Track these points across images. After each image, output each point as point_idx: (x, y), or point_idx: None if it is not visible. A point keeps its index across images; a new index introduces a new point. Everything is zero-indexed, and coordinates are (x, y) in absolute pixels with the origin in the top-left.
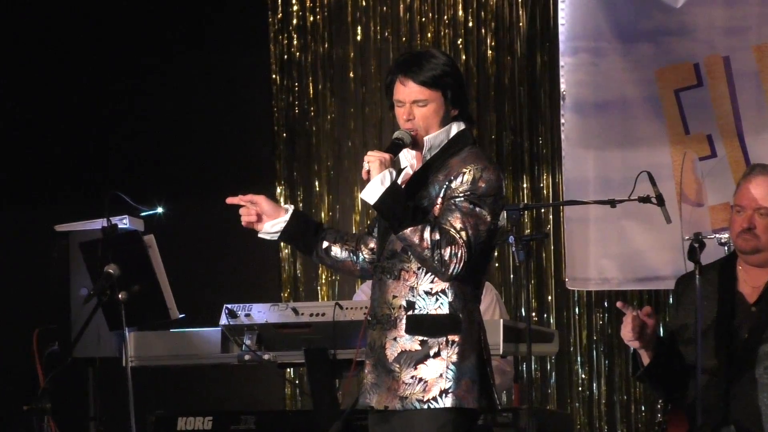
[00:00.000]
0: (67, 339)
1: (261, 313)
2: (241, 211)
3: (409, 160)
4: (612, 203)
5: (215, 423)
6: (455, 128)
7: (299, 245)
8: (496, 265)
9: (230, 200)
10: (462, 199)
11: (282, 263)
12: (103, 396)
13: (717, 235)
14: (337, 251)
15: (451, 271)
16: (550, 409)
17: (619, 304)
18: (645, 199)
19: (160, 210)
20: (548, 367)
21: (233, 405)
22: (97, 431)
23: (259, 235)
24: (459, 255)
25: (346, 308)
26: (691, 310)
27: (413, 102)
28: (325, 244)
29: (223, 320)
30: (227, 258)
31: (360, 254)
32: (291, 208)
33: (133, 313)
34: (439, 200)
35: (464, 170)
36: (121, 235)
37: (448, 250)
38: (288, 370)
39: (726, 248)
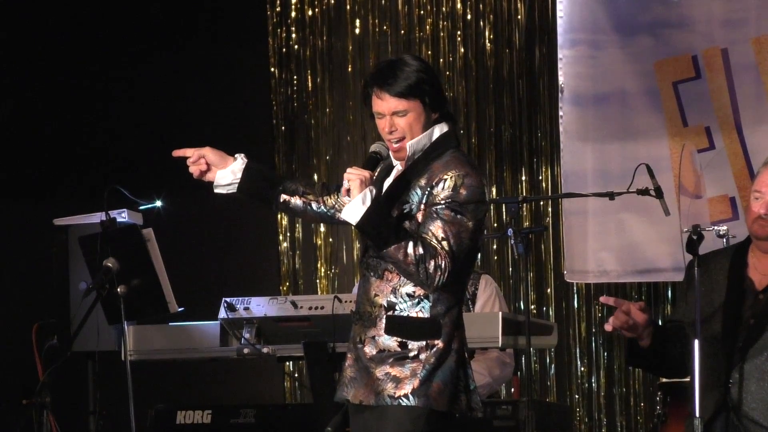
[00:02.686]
0: (66, 333)
1: (260, 306)
2: (189, 162)
3: (396, 161)
4: (611, 196)
5: (214, 417)
6: (438, 131)
7: (257, 199)
8: (495, 258)
9: (176, 153)
10: (443, 206)
11: (281, 257)
12: (102, 390)
13: (715, 227)
14: (296, 203)
15: (436, 282)
16: (549, 401)
17: (602, 299)
18: (643, 192)
19: (158, 203)
20: (547, 360)
21: (233, 399)
22: (96, 425)
23: (216, 191)
24: (443, 266)
25: (345, 301)
26: (703, 292)
27: (393, 113)
28: (284, 197)
29: (222, 314)
30: (226, 251)
31: (319, 206)
32: (243, 160)
33: (132, 307)
34: (422, 207)
35: (446, 177)
36: (120, 229)
37: (432, 263)
38: (287, 363)
39: (724, 240)
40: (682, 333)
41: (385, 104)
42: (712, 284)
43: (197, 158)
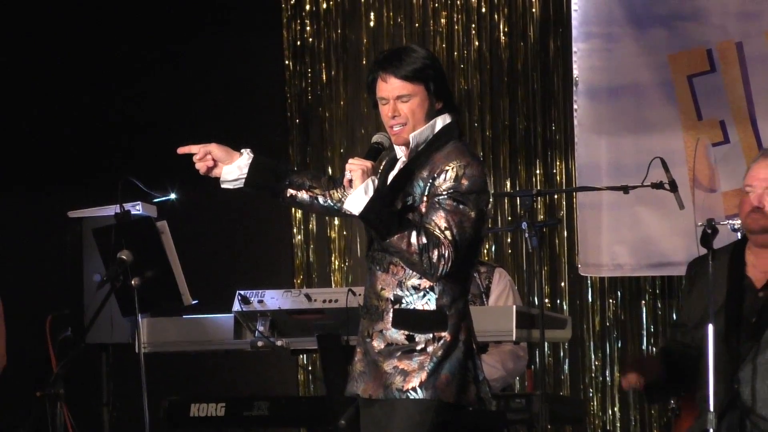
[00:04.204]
0: (80, 325)
1: (274, 299)
2: (195, 159)
3: (400, 153)
4: (625, 189)
5: (228, 409)
6: (440, 122)
7: (264, 193)
8: (509, 251)
9: (181, 150)
10: (446, 197)
11: (295, 249)
12: (115, 382)
13: (730, 222)
14: (303, 197)
15: (440, 272)
16: (563, 395)
17: (625, 386)
18: (658, 185)
19: (173, 196)
20: (561, 353)
21: (246, 391)
22: (109, 417)
23: (222, 186)
24: (446, 255)
25: (359, 294)
26: (703, 294)
27: (397, 98)
28: (290, 191)
29: (236, 306)
30: (240, 244)
31: (326, 200)
32: (249, 155)
33: (146, 299)
34: (424, 198)
35: (447, 167)
36: (134, 221)
37: (435, 252)
38: (301, 356)
39: (739, 234)
40: (689, 353)
41: (389, 87)
42: (713, 284)
43: (203, 155)
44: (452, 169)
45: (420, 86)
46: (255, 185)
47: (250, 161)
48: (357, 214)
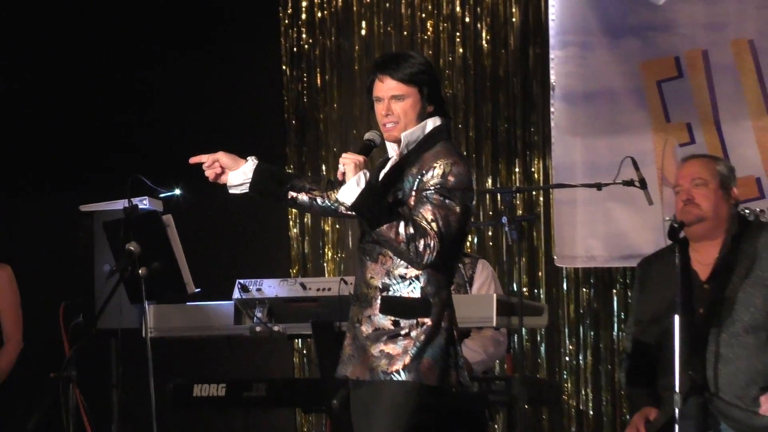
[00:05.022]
0: (91, 312)
1: (271, 287)
2: (204, 167)
3: (392, 152)
4: (598, 186)
5: (228, 390)
6: (431, 124)
7: (268, 197)
8: (491, 244)
9: (192, 160)
10: (433, 191)
11: (291, 241)
12: (124, 365)
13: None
14: (303, 199)
15: (425, 261)
16: (539, 377)
17: None
18: (629, 183)
19: (178, 192)
20: (538, 339)
21: (245, 373)
22: (118, 398)
23: (230, 191)
24: (432, 245)
25: (351, 284)
26: (654, 294)
27: (392, 97)
28: (291, 194)
29: (236, 294)
30: (240, 236)
31: (324, 201)
32: (253, 162)
33: (152, 287)
34: (413, 193)
35: (435, 164)
36: (142, 215)
37: (421, 242)
38: (296, 341)
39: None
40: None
41: (385, 87)
42: (662, 282)
43: (211, 162)
44: (440, 166)
45: (414, 89)
46: (259, 189)
47: (254, 167)
48: (349, 204)
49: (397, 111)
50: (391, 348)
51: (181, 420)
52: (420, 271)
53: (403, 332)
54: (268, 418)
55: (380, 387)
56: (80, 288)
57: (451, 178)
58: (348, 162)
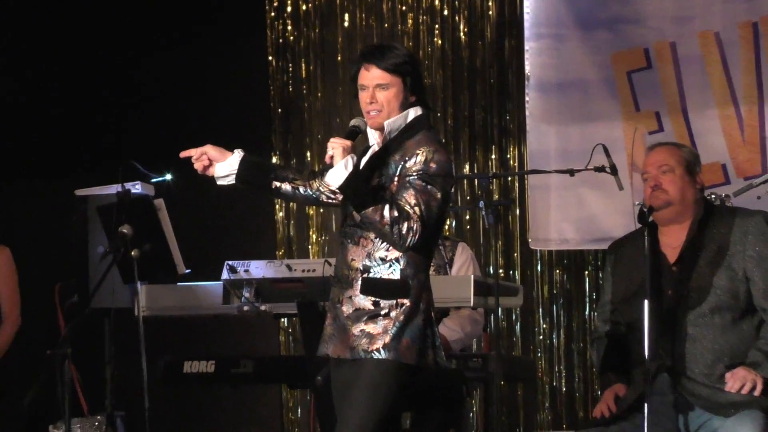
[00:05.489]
0: (85, 292)
1: (258, 269)
2: (193, 159)
3: (373, 141)
4: (571, 172)
5: (217, 366)
6: (413, 113)
7: (254, 187)
8: (468, 227)
9: (182, 154)
10: (415, 177)
11: (277, 225)
12: (117, 342)
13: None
14: (286, 188)
15: (407, 243)
16: (515, 355)
17: (597, 413)
18: (600, 169)
19: (168, 177)
20: (513, 318)
21: (233, 351)
22: (111, 374)
23: (218, 183)
24: (414, 229)
25: (334, 265)
26: (624, 275)
27: (376, 86)
28: (275, 184)
29: (225, 275)
30: (229, 220)
31: (306, 189)
32: (239, 154)
33: (144, 268)
34: (396, 178)
35: (418, 152)
36: (134, 200)
37: (405, 225)
38: (282, 320)
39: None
40: (620, 332)
41: (370, 75)
42: (632, 264)
43: (199, 155)
44: (422, 153)
45: (398, 78)
46: (244, 180)
47: (240, 159)
48: (336, 186)
49: (381, 99)
50: (371, 327)
51: (172, 395)
52: (400, 254)
53: (383, 312)
54: (255, 393)
55: (360, 365)
56: (75, 269)
57: (432, 165)
58: (336, 146)
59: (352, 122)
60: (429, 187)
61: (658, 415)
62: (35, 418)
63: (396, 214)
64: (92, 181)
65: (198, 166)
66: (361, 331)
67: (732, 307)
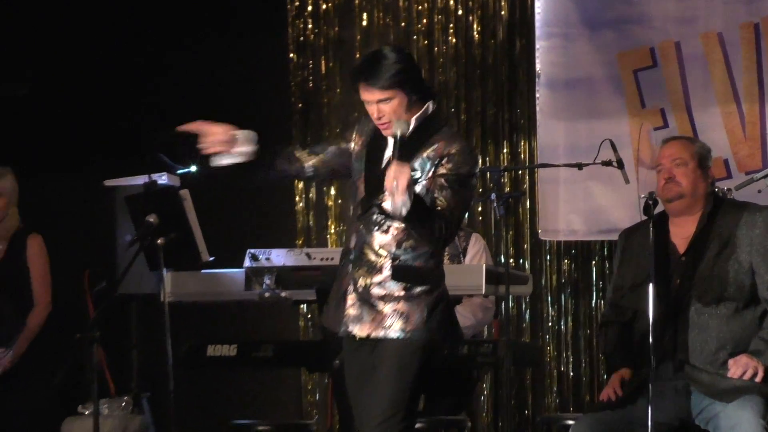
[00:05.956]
0: (113, 278)
1: (279, 257)
2: (209, 141)
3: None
4: (579, 166)
5: (239, 350)
6: (431, 107)
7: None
8: (480, 218)
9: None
10: (453, 178)
11: (297, 215)
12: (143, 327)
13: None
14: (284, 175)
15: (444, 242)
16: (524, 341)
17: (603, 397)
18: (607, 163)
19: (193, 168)
20: (523, 306)
21: (255, 335)
22: (137, 357)
23: (223, 162)
24: (450, 231)
25: (354, 248)
26: (633, 262)
27: (378, 101)
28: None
29: (247, 263)
30: (251, 210)
31: (291, 167)
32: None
33: (169, 256)
34: (430, 174)
35: (453, 152)
36: (161, 190)
37: (445, 228)
38: (302, 306)
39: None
40: (626, 318)
41: (371, 95)
42: (642, 253)
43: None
44: (458, 154)
45: (396, 90)
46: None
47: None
48: (401, 216)
49: (387, 112)
50: (403, 308)
51: (196, 377)
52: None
53: (414, 295)
54: (275, 376)
55: (394, 344)
56: (103, 256)
57: (467, 168)
58: (402, 178)
59: (395, 131)
60: (463, 189)
61: (662, 400)
62: (65, 398)
63: (441, 221)
64: (121, 172)
65: (220, 147)
66: (394, 311)
67: (737, 298)
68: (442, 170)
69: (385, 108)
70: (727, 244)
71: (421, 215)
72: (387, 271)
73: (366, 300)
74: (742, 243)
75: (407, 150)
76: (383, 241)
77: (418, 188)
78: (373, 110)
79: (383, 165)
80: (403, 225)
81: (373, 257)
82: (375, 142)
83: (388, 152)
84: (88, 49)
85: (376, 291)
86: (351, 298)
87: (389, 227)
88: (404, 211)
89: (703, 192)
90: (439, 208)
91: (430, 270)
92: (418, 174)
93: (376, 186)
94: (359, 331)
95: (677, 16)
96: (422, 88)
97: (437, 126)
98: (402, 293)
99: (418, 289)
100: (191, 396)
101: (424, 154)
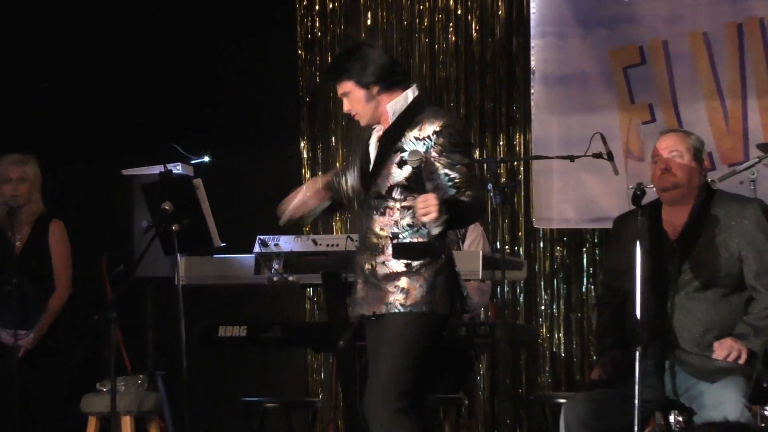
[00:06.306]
0: (130, 262)
1: (287, 243)
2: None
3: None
4: (571, 158)
5: (249, 331)
6: (411, 94)
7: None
8: None
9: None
10: (456, 152)
11: None
12: (158, 308)
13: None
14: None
15: (482, 206)
16: (519, 323)
17: (593, 376)
18: (598, 155)
19: (206, 159)
20: (518, 290)
21: (264, 317)
22: (153, 337)
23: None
24: (480, 194)
25: (356, 240)
26: (626, 248)
27: (342, 95)
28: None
29: (256, 248)
30: (261, 198)
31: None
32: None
33: (183, 241)
34: (431, 158)
35: (439, 127)
36: (175, 179)
37: (479, 198)
38: (308, 289)
39: None
40: (619, 301)
41: (337, 90)
42: (634, 237)
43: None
44: (446, 127)
45: (347, 82)
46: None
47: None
48: (441, 230)
49: (348, 105)
50: (405, 283)
51: (208, 356)
52: None
53: (415, 270)
54: (282, 356)
55: (397, 318)
56: (121, 241)
57: (460, 137)
58: (432, 209)
59: (409, 162)
60: (467, 160)
61: (650, 379)
62: (84, 375)
63: (470, 193)
64: (137, 162)
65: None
66: (395, 287)
67: (725, 284)
68: (437, 147)
69: (346, 102)
70: (718, 232)
71: (461, 217)
72: (389, 251)
73: (372, 281)
74: (733, 232)
75: (393, 133)
76: (383, 222)
77: (412, 167)
78: (344, 106)
79: (371, 157)
80: (398, 204)
81: (375, 240)
82: (366, 136)
83: (372, 142)
84: (108, 46)
85: (380, 270)
86: (360, 282)
87: (386, 209)
88: (441, 228)
89: (697, 183)
90: (458, 184)
91: (430, 243)
92: (406, 155)
93: (368, 177)
94: (366, 310)
95: (666, 15)
96: (384, 77)
97: (420, 108)
98: (403, 269)
99: (419, 263)
100: (203, 374)
101: (411, 134)
